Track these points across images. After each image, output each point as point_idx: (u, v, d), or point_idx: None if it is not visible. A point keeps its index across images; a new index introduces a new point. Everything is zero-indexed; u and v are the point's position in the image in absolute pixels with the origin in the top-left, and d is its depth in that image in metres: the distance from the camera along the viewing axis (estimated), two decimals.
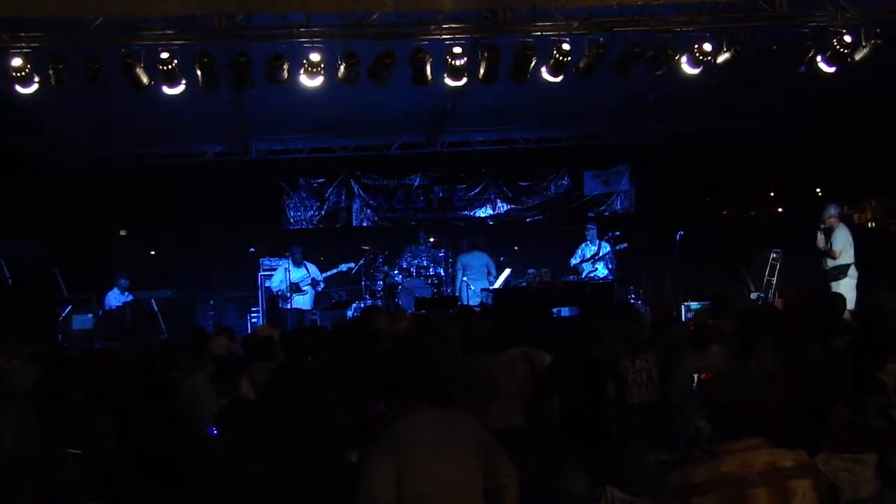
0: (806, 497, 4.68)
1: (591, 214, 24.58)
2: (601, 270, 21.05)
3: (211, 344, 10.87)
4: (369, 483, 5.30)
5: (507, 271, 21.72)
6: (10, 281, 18.09)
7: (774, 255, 20.83)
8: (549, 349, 10.05)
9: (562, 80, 16.61)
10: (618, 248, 21.13)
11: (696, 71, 16.41)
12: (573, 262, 21.62)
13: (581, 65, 16.29)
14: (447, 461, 5.40)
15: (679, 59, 16.18)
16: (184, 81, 15.61)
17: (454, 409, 5.73)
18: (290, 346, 10.13)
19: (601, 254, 21.13)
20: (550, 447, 8.85)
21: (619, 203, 24.93)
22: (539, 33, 15.79)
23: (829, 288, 16.46)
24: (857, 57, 16.12)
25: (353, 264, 21.19)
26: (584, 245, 21.56)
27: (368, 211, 24.49)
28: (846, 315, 11.64)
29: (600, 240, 21.39)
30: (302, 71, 15.59)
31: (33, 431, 7.54)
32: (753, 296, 20.71)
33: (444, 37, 15.68)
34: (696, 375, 8.81)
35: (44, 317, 18.13)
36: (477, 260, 21.37)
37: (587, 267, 21.21)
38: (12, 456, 7.53)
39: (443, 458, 5.39)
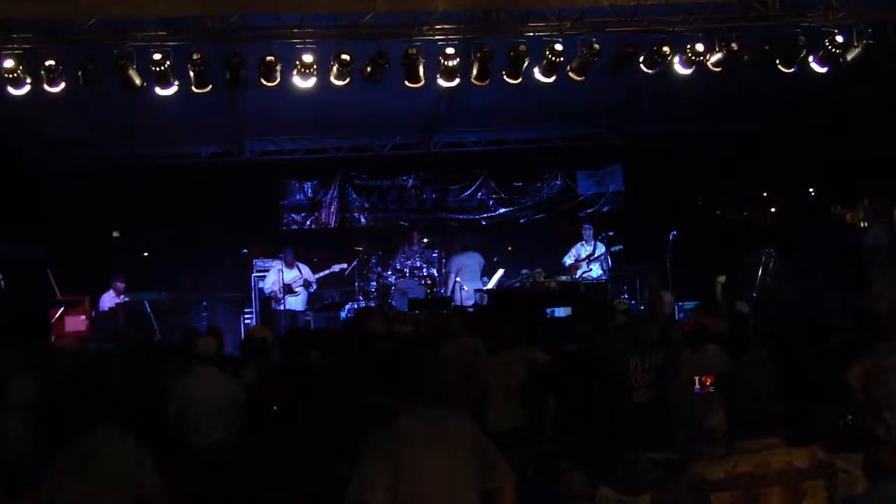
0: (816, 497, 4.70)
1: (583, 214, 24.62)
2: (595, 271, 21.07)
3: (199, 345, 10.84)
4: (364, 483, 5.29)
5: (501, 272, 21.75)
6: (2, 282, 18.05)
7: (767, 255, 20.86)
8: (545, 349, 10.06)
9: (555, 81, 16.63)
10: (613, 249, 21.15)
11: (688, 71, 16.44)
12: (567, 261, 21.64)
13: (574, 65, 16.31)
14: (442, 462, 5.39)
15: (671, 59, 16.20)
16: (177, 83, 15.61)
17: (451, 410, 5.71)
18: (284, 348, 10.14)
19: (596, 254, 21.16)
20: (547, 447, 8.88)
21: (612, 203, 24.94)
22: (531, 34, 15.81)
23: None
24: (850, 57, 16.16)
25: (345, 265, 21.19)
26: (579, 245, 21.60)
27: (362, 211, 24.46)
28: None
29: (596, 240, 21.40)
30: (295, 72, 15.59)
31: (33, 438, 7.55)
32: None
33: (436, 37, 15.70)
34: (696, 377, 8.84)
35: (37, 318, 18.10)
36: (471, 260, 21.38)
37: (582, 267, 21.23)
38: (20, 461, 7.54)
39: (438, 458, 5.38)
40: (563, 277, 21.07)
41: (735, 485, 4.67)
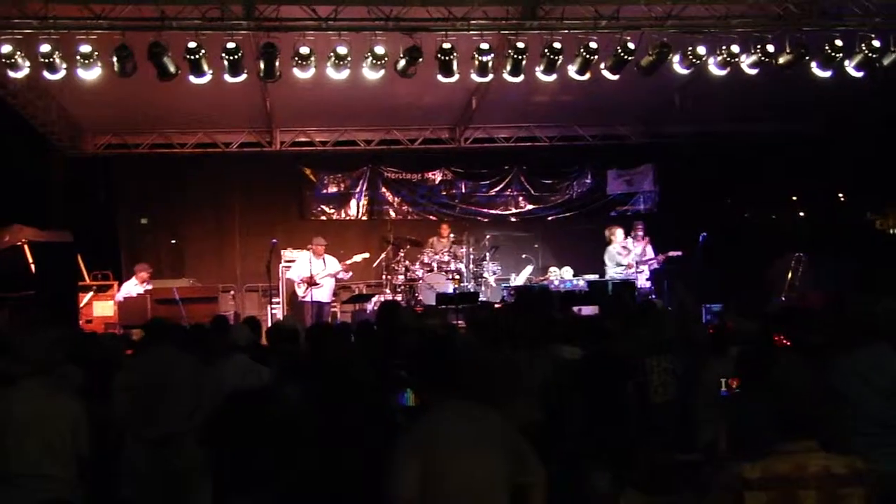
0: None
1: (613, 214, 24.48)
2: (645, 274, 20.67)
3: (233, 333, 10.88)
4: (394, 478, 5.29)
5: (529, 268, 21.70)
6: (33, 266, 18.13)
7: (796, 259, 20.75)
8: (572, 348, 10.03)
9: (588, 79, 16.63)
10: (671, 254, 20.74)
11: (723, 72, 16.41)
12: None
13: (608, 64, 16.31)
14: (474, 457, 5.35)
15: (706, 59, 16.17)
16: (210, 71, 15.68)
17: (483, 405, 5.69)
18: (313, 339, 10.14)
19: (647, 257, 20.79)
20: (572, 445, 8.86)
21: (641, 203, 24.80)
22: (566, 31, 15.82)
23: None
24: (886, 62, 16.11)
25: (367, 254, 21.13)
26: (627, 241, 21.12)
27: (391, 205, 24.43)
28: None
29: (645, 241, 21.09)
30: (329, 63, 15.65)
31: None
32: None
33: (471, 32, 15.72)
34: (722, 380, 8.81)
35: (66, 303, 18.18)
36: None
37: (633, 267, 20.88)
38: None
39: (469, 454, 5.34)
40: (593, 276, 20.92)
41: (770, 485, 4.65)
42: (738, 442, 7.50)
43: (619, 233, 21.11)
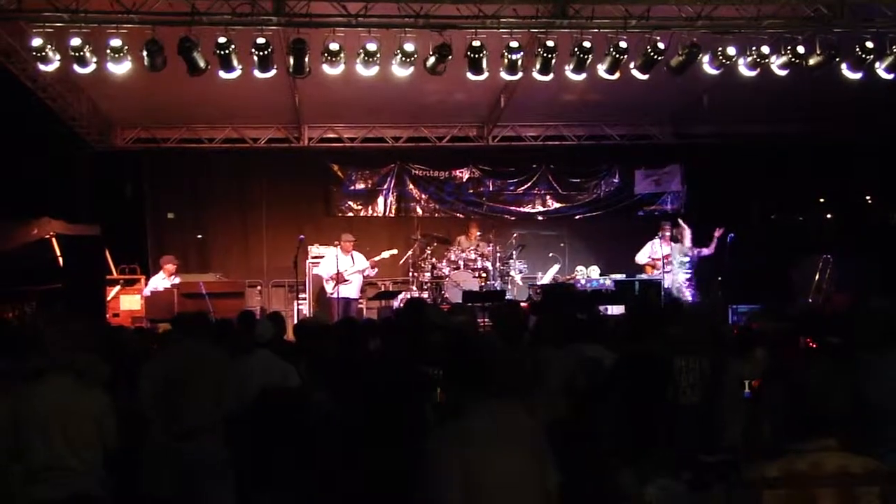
0: None
1: (640, 213, 24.45)
2: (681, 275, 20.52)
3: (257, 328, 10.89)
4: (437, 481, 5.22)
5: (556, 267, 21.68)
6: (60, 259, 18.22)
7: (824, 262, 20.66)
8: (598, 347, 10.01)
9: (617, 78, 16.60)
10: (700, 254, 20.55)
11: (753, 73, 16.35)
12: (640, 259, 21.24)
13: (637, 63, 16.28)
14: (509, 457, 5.30)
15: (736, 60, 16.12)
16: (240, 67, 15.72)
17: (514, 404, 5.67)
18: (339, 337, 10.14)
19: (679, 257, 20.61)
20: (597, 444, 8.85)
21: (669, 203, 24.69)
22: (596, 30, 15.79)
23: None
24: None
25: (395, 250, 21.13)
26: (655, 242, 21.02)
27: (418, 202, 24.43)
28: None
29: (673, 241, 20.87)
30: (358, 60, 15.67)
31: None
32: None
33: (501, 30, 15.71)
34: (746, 381, 8.79)
35: (93, 296, 18.26)
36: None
37: (660, 267, 20.68)
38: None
39: (505, 453, 5.27)
40: (620, 276, 20.84)
41: (789, 483, 4.67)
42: (756, 442, 7.50)
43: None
